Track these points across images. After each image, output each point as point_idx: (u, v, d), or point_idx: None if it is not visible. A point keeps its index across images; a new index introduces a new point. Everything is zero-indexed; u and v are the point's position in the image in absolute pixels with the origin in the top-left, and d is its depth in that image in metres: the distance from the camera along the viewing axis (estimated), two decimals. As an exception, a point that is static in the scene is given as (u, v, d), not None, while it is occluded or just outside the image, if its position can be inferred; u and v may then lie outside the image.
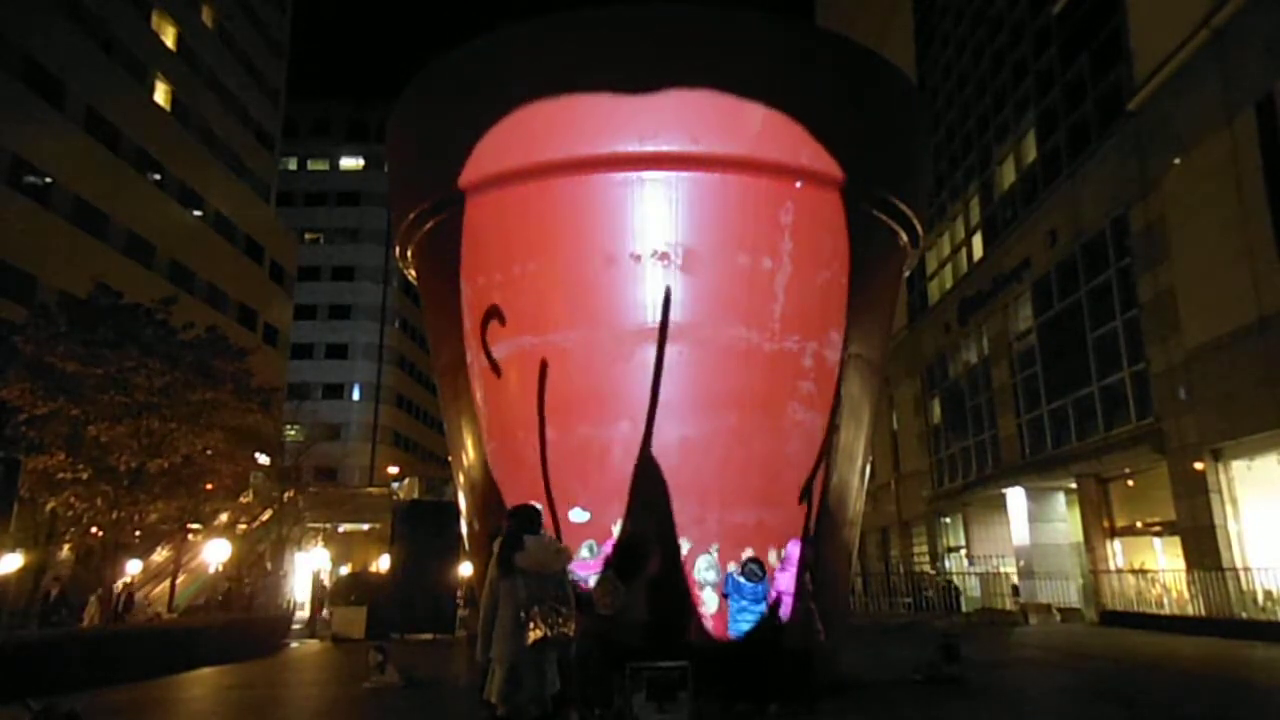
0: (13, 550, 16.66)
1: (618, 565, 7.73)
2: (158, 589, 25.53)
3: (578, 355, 8.79)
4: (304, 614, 25.90)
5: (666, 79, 8.69)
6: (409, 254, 10.85)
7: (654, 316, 8.62)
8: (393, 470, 48.71)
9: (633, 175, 8.74)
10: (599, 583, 7.55)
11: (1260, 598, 15.27)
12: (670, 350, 8.61)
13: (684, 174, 8.70)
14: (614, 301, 8.77)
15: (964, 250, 29.27)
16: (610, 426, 8.60)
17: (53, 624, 17.92)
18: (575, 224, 8.96)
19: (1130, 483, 20.21)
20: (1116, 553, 20.48)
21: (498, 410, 9.40)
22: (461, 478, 10.14)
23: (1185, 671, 11.30)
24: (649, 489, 8.33)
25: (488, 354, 9.44)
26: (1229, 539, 16.10)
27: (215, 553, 24.99)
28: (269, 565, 29.74)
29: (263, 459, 27.74)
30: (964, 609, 23.73)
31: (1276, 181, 14.85)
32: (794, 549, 8.09)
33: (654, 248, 8.70)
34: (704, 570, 7.53)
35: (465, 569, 20.39)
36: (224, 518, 26.73)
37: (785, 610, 7.96)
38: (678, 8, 9.16)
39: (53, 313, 18.80)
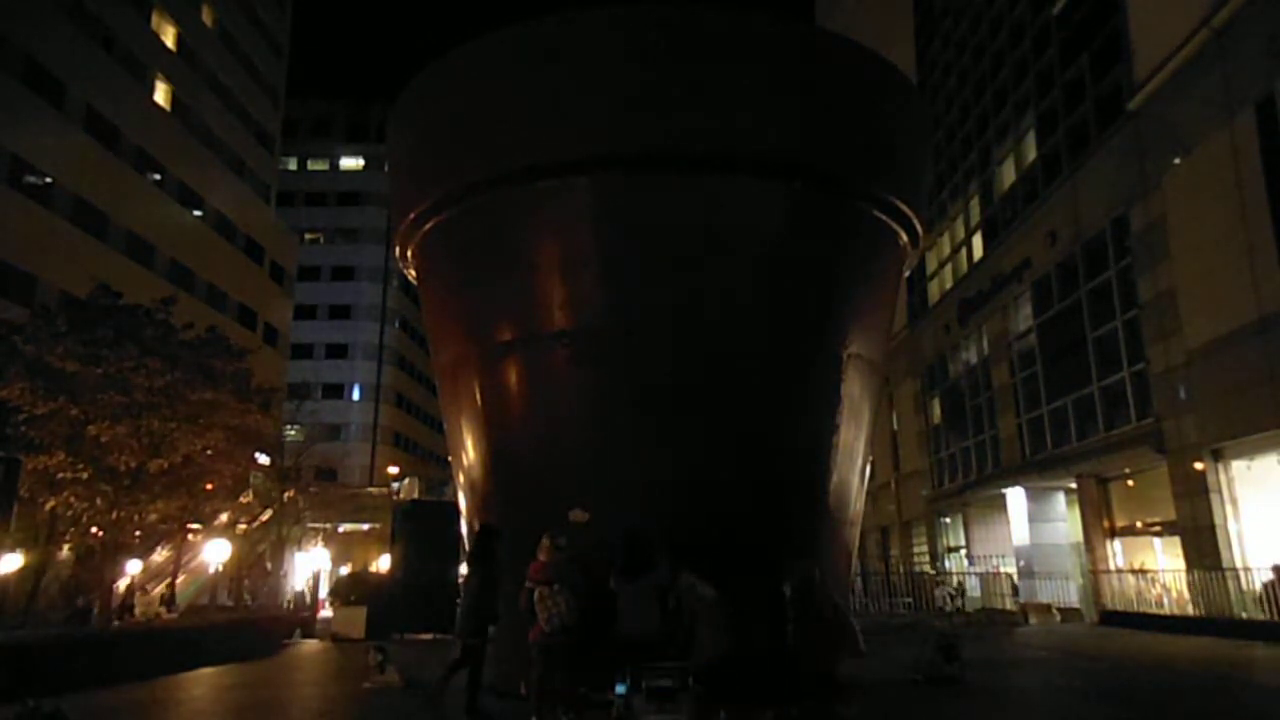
0: (13, 550, 16.65)
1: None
2: (156, 589, 25.51)
3: (576, 354, 8.78)
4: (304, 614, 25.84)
5: (667, 79, 8.69)
6: (409, 254, 10.84)
7: (652, 316, 8.62)
8: (393, 470, 48.68)
9: (633, 176, 8.74)
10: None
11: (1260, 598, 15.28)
12: (670, 350, 8.61)
13: (685, 175, 8.70)
14: (613, 301, 8.78)
15: (964, 250, 29.27)
16: (606, 425, 8.61)
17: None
18: (575, 224, 8.96)
19: (1130, 483, 20.21)
20: (1116, 553, 20.48)
21: (498, 410, 9.40)
22: (461, 478, 10.14)
23: (1185, 671, 11.29)
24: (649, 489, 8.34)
25: (488, 353, 9.45)
26: (1229, 539, 16.10)
27: (215, 553, 24.97)
28: (269, 565, 29.74)
29: (263, 459, 27.72)
30: (964, 608, 23.72)
31: (1277, 181, 14.85)
32: None
33: (654, 247, 8.70)
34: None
35: (465, 569, 20.35)
36: (224, 518, 26.70)
37: None
38: (681, 10, 9.15)
39: (53, 313, 18.79)
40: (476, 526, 9.11)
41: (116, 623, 18.88)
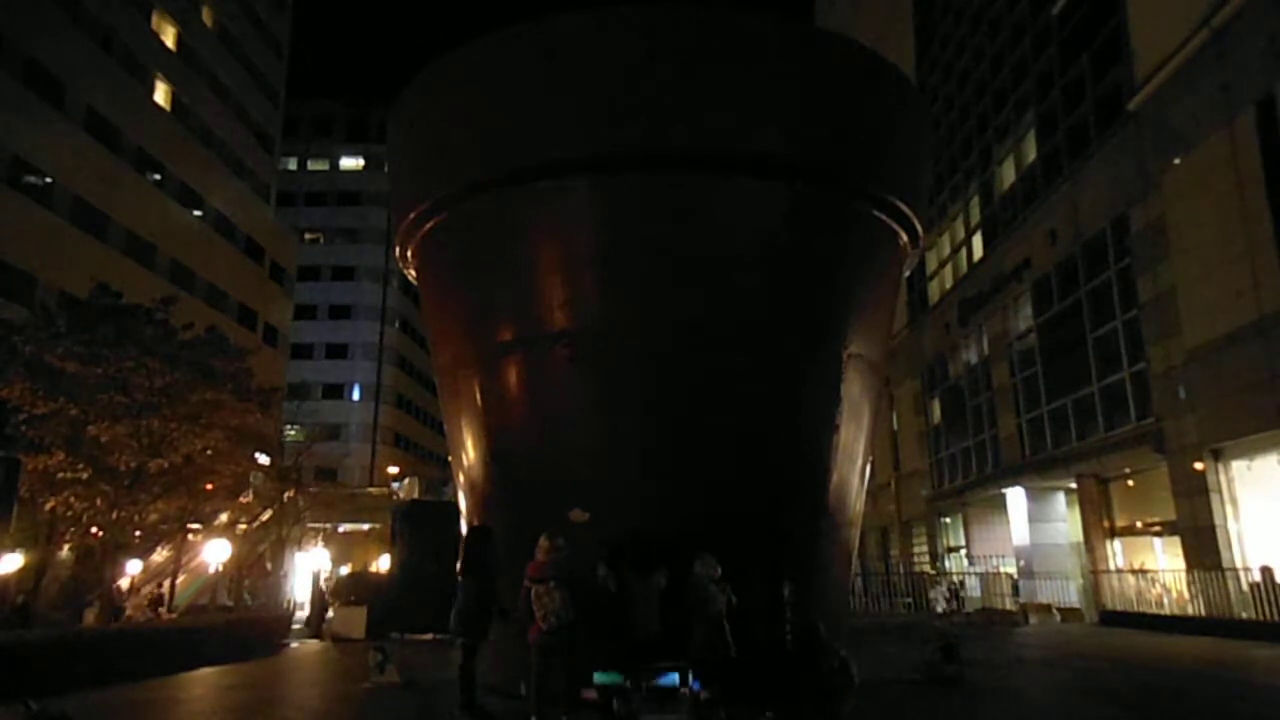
0: (13, 550, 16.64)
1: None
2: (147, 590, 25.47)
3: (576, 354, 8.78)
4: (304, 613, 25.78)
5: (667, 79, 8.69)
6: (409, 254, 10.85)
7: (652, 316, 8.62)
8: (393, 470, 48.66)
9: (633, 176, 8.74)
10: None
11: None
12: (670, 350, 8.61)
13: (684, 174, 8.70)
14: (613, 301, 8.77)
15: (964, 250, 29.27)
16: (606, 425, 8.61)
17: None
18: (575, 224, 8.96)
19: (1130, 483, 20.21)
20: (1116, 553, 20.48)
21: (498, 409, 9.40)
22: (461, 478, 10.14)
23: (1184, 671, 11.29)
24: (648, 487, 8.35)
25: (488, 353, 9.45)
26: (1229, 539, 16.10)
27: (215, 553, 24.94)
28: (269, 565, 29.70)
29: (263, 459, 27.69)
30: (962, 608, 23.72)
31: (1277, 181, 14.85)
32: None
33: (653, 247, 8.70)
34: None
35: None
36: (224, 518, 26.69)
37: None
38: (681, 11, 9.14)
39: (53, 313, 18.78)
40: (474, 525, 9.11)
41: (114, 624, 18.85)
